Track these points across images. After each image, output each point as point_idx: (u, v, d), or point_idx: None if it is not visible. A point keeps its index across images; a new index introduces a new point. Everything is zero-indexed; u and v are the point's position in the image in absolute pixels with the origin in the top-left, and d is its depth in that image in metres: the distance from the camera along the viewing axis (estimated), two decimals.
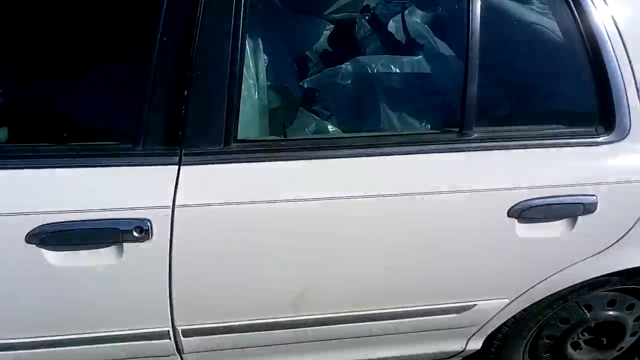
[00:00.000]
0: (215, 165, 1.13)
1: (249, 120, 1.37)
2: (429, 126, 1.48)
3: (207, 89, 1.11)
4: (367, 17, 1.74)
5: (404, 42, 1.62)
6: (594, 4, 1.23)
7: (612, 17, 1.24)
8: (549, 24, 1.50)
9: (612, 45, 1.23)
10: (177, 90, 1.10)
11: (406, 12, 1.82)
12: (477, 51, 1.20)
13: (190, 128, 1.11)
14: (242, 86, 1.39)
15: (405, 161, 1.19)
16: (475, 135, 1.23)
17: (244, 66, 1.42)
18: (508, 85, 1.35)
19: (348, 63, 1.48)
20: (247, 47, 1.47)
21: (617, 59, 1.23)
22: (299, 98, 1.59)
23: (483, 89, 1.22)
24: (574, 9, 1.24)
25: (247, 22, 1.15)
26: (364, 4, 1.84)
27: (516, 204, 1.21)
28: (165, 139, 1.11)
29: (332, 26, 2.16)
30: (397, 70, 1.44)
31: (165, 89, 1.10)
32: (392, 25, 1.97)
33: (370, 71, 1.45)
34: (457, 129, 1.23)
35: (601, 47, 1.23)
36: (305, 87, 1.51)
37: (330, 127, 1.49)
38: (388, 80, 1.49)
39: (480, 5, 1.20)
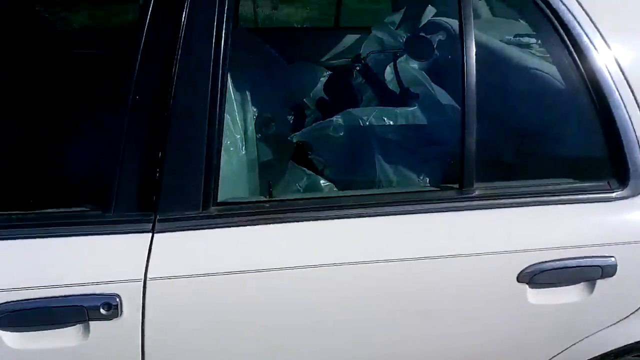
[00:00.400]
0: (193, 232, 1.03)
1: (235, 178, 1.29)
2: (427, 180, 1.39)
3: (183, 148, 1.03)
4: (358, 68, 1.67)
5: (398, 92, 1.54)
6: (594, 46, 1.15)
7: (616, 60, 1.15)
8: (551, 70, 1.43)
9: (618, 91, 1.14)
10: (151, 150, 1.02)
11: (401, 58, 1.76)
12: (474, 100, 1.11)
13: (166, 191, 1.02)
14: (227, 142, 1.33)
15: (402, 222, 1.09)
16: (477, 192, 1.13)
17: (231, 120, 1.37)
18: (510, 137, 1.27)
19: (339, 116, 1.40)
20: (234, 99, 1.41)
21: (624, 105, 1.14)
22: (290, 151, 1.52)
23: (483, 141, 1.13)
24: (573, 52, 1.16)
25: (229, 75, 1.08)
26: (357, 53, 1.79)
27: (526, 268, 1.10)
28: (138, 203, 1.02)
29: (329, 73, 2.11)
30: (391, 123, 1.36)
31: (137, 149, 1.02)
32: (388, 72, 1.91)
33: (362, 124, 1.37)
34: (456, 185, 1.14)
35: (606, 92, 1.14)
36: (295, 141, 1.43)
37: (322, 182, 1.41)
38: (383, 133, 1.41)
39: (477, 51, 1.12)
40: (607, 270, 1.13)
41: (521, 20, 2.21)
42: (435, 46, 1.49)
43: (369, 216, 1.09)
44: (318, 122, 1.43)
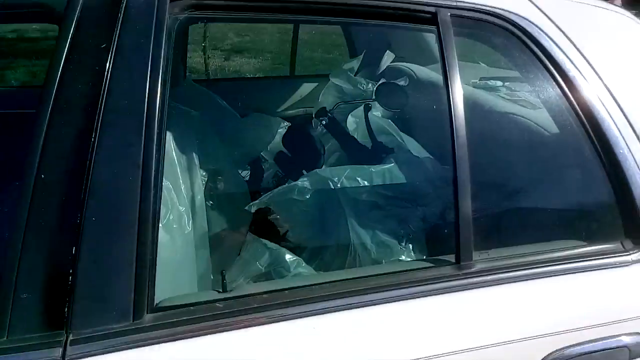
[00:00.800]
0: (120, 353, 0.77)
1: (178, 266, 1.04)
2: (411, 247, 1.18)
3: (105, 238, 0.79)
4: (324, 122, 1.49)
5: (370, 146, 1.36)
6: (584, 77, 1.01)
7: (609, 91, 1.02)
8: (538, 116, 1.29)
9: (617, 128, 1.00)
10: (61, 244, 0.77)
11: (361, 108, 1.60)
12: (465, 155, 0.93)
13: (81, 299, 0.77)
14: (170, 217, 1.09)
15: (388, 314, 0.87)
16: (478, 266, 0.93)
17: (174, 190, 1.13)
18: (505, 195, 1.09)
19: (305, 178, 1.20)
20: (177, 163, 1.18)
21: (627, 145, 1.00)
22: (248, 221, 1.29)
23: (479, 206, 0.95)
24: (565, 89, 1.02)
25: (169, 136, 0.86)
26: (320, 107, 1.61)
27: (544, 359, 0.90)
28: (43, 319, 0.76)
29: (287, 124, 1.93)
30: (366, 183, 1.17)
31: (42, 242, 0.77)
32: (351, 122, 1.74)
33: (332, 186, 1.16)
34: (452, 259, 0.94)
35: (606, 132, 1.00)
36: (254, 210, 1.20)
37: (288, 258, 1.17)
38: (355, 194, 1.22)
39: (464, 102, 0.96)
40: (636, 350, 0.94)
41: (481, 63, 2.15)
42: (407, 93, 1.33)
43: (348, 308, 0.86)
44: (280, 187, 1.22)
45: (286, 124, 1.93)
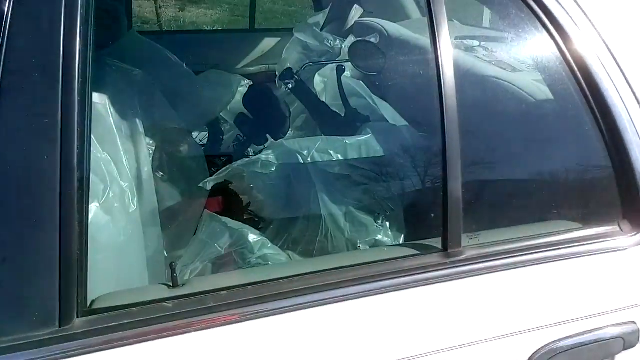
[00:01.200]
0: None
1: (121, 252, 0.88)
2: (388, 224, 1.07)
3: (16, 235, 0.63)
4: (290, 86, 1.32)
5: (343, 113, 1.21)
6: (581, 32, 0.89)
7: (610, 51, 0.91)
8: (516, 79, 1.18)
9: (618, 93, 0.89)
10: None
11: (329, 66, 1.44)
12: (456, 130, 0.80)
13: None
14: (109, 195, 0.93)
15: (368, 309, 0.76)
16: (467, 253, 0.82)
17: (114, 162, 0.96)
18: (493, 171, 0.98)
19: (269, 151, 1.04)
20: (118, 131, 1.00)
21: (629, 113, 0.90)
22: (204, 197, 1.13)
23: (467, 184, 0.84)
24: (558, 42, 0.89)
25: (97, 97, 0.70)
26: (285, 66, 1.43)
27: (537, 352, 0.82)
28: None
29: (248, 82, 1.76)
30: (339, 157, 1.03)
31: None
32: (318, 82, 1.58)
33: (302, 159, 1.02)
34: (439, 245, 0.82)
35: (605, 97, 0.89)
36: (210, 187, 1.05)
37: (252, 238, 1.04)
38: (326, 166, 1.08)
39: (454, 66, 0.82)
40: (630, 340, 0.87)
41: (454, 20, 2.01)
42: (385, 54, 1.18)
43: (320, 304, 0.74)
44: (241, 160, 1.06)
45: (247, 82, 1.75)
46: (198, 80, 1.71)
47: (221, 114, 1.79)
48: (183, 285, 0.74)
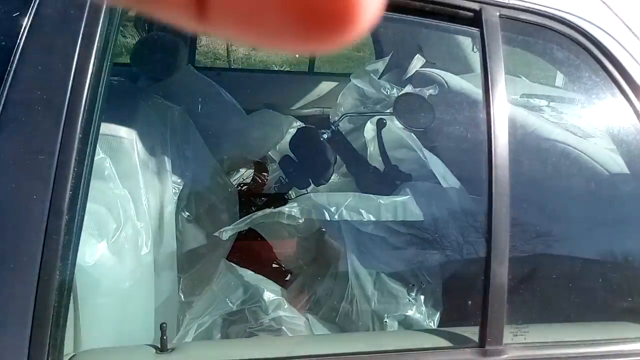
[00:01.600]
0: None
1: (126, 297, 0.82)
2: (422, 299, 0.95)
3: None
4: (325, 136, 1.25)
5: (382, 169, 1.12)
6: None
7: None
8: (588, 148, 1.04)
9: None
10: None
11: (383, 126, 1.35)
12: (507, 205, 0.68)
13: None
14: (122, 235, 0.87)
15: None
16: (510, 354, 0.68)
17: (132, 200, 0.92)
18: (550, 258, 0.84)
19: (295, 203, 0.96)
20: (141, 170, 0.96)
21: None
22: (229, 242, 1.06)
23: (516, 267, 0.71)
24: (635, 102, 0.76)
25: (93, 145, 0.65)
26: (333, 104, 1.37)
27: None
28: None
29: (300, 124, 1.73)
30: (371, 217, 0.92)
31: None
32: (369, 129, 1.50)
33: (329, 217, 0.93)
34: (475, 339, 0.69)
35: None
36: (227, 237, 0.97)
37: (266, 296, 0.95)
38: (360, 224, 0.98)
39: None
40: None
41: (522, 77, 1.88)
42: (434, 110, 1.08)
43: None
44: (263, 211, 0.98)
45: (299, 123, 1.72)
46: (248, 119, 1.70)
47: (270, 153, 1.77)
48: (171, 350, 0.65)
